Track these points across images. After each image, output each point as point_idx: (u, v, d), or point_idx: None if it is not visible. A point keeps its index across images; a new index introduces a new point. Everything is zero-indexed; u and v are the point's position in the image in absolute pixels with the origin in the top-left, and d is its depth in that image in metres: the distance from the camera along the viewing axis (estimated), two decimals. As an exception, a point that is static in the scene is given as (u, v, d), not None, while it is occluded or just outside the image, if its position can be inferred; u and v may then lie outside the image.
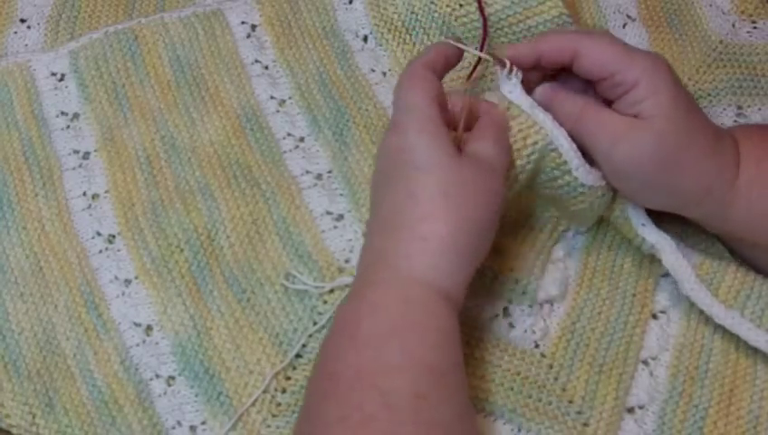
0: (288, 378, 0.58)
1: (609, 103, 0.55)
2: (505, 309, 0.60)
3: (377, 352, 0.50)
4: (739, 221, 0.57)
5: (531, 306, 0.60)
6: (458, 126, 0.55)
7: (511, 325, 0.59)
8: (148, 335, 0.59)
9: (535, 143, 0.55)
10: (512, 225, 0.62)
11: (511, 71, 0.55)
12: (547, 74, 0.57)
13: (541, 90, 0.57)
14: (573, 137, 0.56)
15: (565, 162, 0.55)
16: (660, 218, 0.61)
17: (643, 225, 0.59)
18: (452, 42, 0.57)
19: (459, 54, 0.58)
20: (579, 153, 0.55)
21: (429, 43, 0.69)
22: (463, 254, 0.52)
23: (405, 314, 0.51)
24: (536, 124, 0.55)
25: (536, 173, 0.57)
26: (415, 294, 0.51)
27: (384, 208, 0.54)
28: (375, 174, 0.55)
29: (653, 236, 0.59)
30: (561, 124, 0.55)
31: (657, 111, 0.53)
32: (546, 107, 0.56)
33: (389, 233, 0.53)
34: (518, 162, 0.55)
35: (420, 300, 0.51)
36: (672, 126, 0.54)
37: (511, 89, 0.55)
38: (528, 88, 0.56)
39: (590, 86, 0.56)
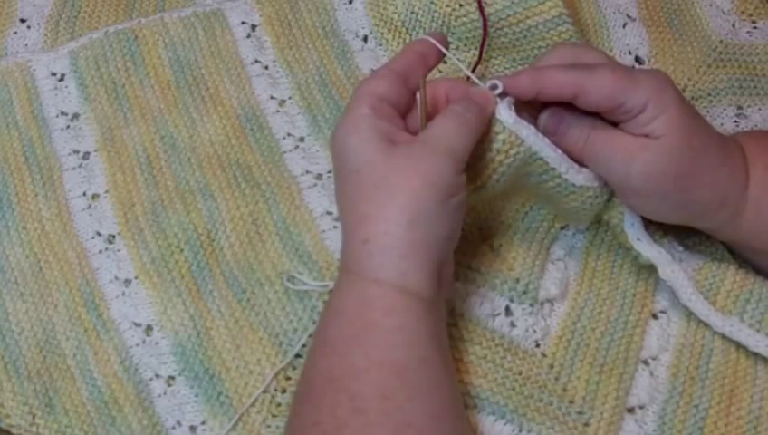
0: (288, 378, 0.58)
1: (614, 123, 0.55)
2: (506, 308, 0.60)
3: (342, 356, 0.50)
4: (748, 228, 0.56)
5: (532, 305, 0.60)
6: (420, 113, 0.54)
7: (512, 325, 0.59)
8: (148, 335, 0.59)
9: (517, 153, 0.55)
10: (508, 224, 0.62)
11: (496, 87, 0.54)
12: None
13: (546, 115, 0.56)
14: (583, 160, 0.55)
15: (553, 168, 0.55)
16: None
17: (639, 240, 0.59)
18: (429, 38, 0.56)
19: (436, 50, 0.57)
20: (565, 156, 0.55)
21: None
22: (410, 245, 0.50)
23: (363, 316, 0.50)
24: (518, 138, 0.54)
25: (524, 175, 0.57)
26: (372, 296, 0.50)
27: (339, 213, 0.54)
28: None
29: (648, 251, 0.59)
30: (570, 148, 0.55)
31: (668, 128, 0.53)
32: (553, 132, 0.55)
33: (343, 238, 0.53)
34: (492, 166, 0.55)
35: (378, 300, 0.50)
36: (684, 140, 0.54)
37: (497, 101, 0.54)
38: (531, 113, 0.56)
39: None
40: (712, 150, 0.55)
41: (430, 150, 0.51)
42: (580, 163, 0.56)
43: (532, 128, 0.55)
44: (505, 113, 0.54)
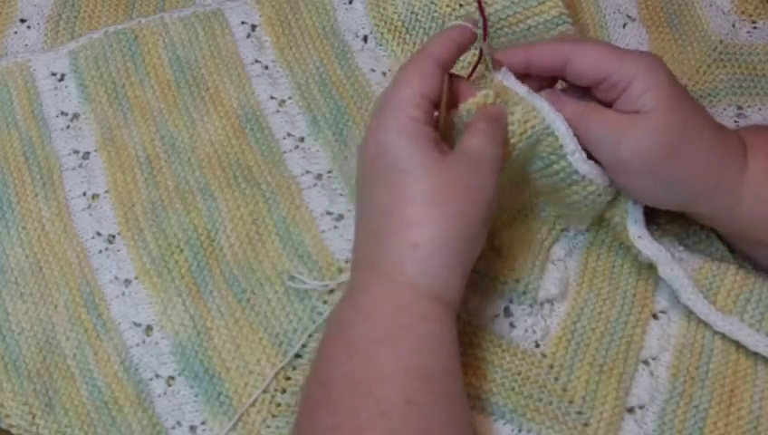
0: (288, 378, 0.58)
1: (608, 106, 0.55)
2: (506, 309, 0.60)
3: (369, 358, 0.50)
4: (747, 217, 0.56)
5: (531, 306, 0.60)
6: (441, 111, 0.55)
7: (512, 325, 0.59)
8: (148, 335, 0.59)
9: (533, 127, 0.55)
10: (509, 225, 0.62)
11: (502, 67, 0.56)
12: (543, 84, 0.58)
13: (542, 95, 0.56)
14: (577, 138, 0.56)
15: (561, 146, 0.55)
16: (660, 218, 0.61)
17: (639, 237, 0.59)
18: (466, 23, 0.57)
19: (472, 37, 0.57)
20: (575, 139, 0.56)
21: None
22: (454, 256, 0.51)
23: (397, 319, 0.50)
24: (534, 109, 0.55)
25: (532, 158, 0.57)
26: (407, 300, 0.50)
27: (370, 212, 0.53)
28: (358, 175, 0.55)
29: (649, 249, 0.59)
30: None
31: (658, 103, 0.54)
32: None
33: (378, 238, 0.52)
34: (512, 141, 0.55)
35: (412, 305, 0.50)
36: (674, 117, 0.54)
37: (505, 77, 0.56)
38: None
39: (587, 94, 0.56)
40: (705, 132, 0.55)
41: (480, 167, 0.52)
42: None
43: (547, 101, 0.56)
44: (518, 86, 0.55)
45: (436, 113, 0.55)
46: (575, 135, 0.56)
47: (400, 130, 0.52)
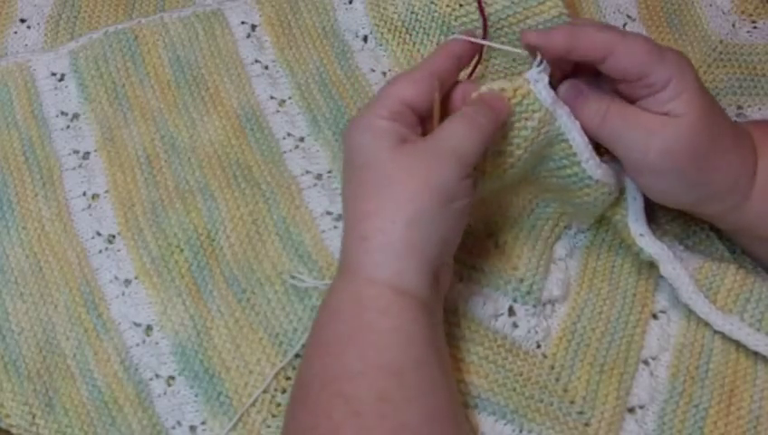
0: (288, 378, 0.58)
1: (631, 101, 0.55)
2: (510, 308, 0.60)
3: (337, 358, 0.50)
4: (753, 214, 0.56)
5: (535, 306, 0.60)
6: (434, 119, 0.54)
7: (515, 325, 0.59)
8: (147, 335, 0.59)
9: (547, 132, 0.55)
10: (513, 221, 0.62)
11: (540, 63, 0.54)
12: (567, 72, 0.57)
13: (565, 87, 0.56)
14: (599, 137, 0.55)
15: (575, 154, 0.55)
16: (660, 218, 0.61)
17: (641, 235, 0.59)
18: (465, 37, 0.57)
19: (472, 50, 0.57)
20: (590, 147, 0.55)
21: (429, 43, 0.69)
22: (406, 244, 0.50)
23: (358, 316, 0.50)
24: (553, 118, 0.54)
25: (543, 159, 0.57)
26: (366, 296, 0.50)
27: (343, 211, 0.53)
28: None
29: (651, 247, 0.59)
30: (587, 122, 0.55)
31: (689, 108, 0.53)
32: (571, 104, 0.55)
33: (343, 237, 0.52)
34: (524, 144, 0.55)
35: (372, 301, 0.50)
36: (703, 121, 0.53)
37: (537, 79, 0.54)
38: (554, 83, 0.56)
39: (609, 84, 0.56)
40: (726, 133, 0.55)
41: (435, 152, 0.51)
42: (600, 155, 0.56)
43: (567, 108, 0.55)
44: (545, 93, 0.54)
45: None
46: (596, 134, 0.55)
47: (365, 127, 0.52)
